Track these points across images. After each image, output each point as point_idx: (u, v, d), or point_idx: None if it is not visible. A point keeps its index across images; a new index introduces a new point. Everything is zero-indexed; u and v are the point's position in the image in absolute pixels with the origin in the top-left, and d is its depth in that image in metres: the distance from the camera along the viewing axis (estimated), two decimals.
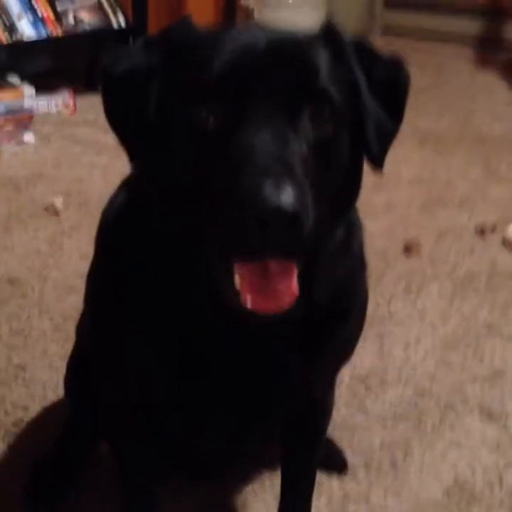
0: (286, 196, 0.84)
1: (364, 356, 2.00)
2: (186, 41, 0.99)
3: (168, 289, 1.05)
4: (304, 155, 0.92)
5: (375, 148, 1.02)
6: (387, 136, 1.04)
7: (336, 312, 1.12)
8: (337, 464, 1.70)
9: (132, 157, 1.01)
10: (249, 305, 0.91)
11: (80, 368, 1.54)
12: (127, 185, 1.15)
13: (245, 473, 1.66)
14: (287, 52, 0.96)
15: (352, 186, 1.04)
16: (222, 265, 0.93)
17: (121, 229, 1.11)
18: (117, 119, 1.01)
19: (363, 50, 1.04)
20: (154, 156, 0.98)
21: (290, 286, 0.92)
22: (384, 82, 1.03)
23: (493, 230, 2.68)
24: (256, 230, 0.85)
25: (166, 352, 1.09)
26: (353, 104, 1.00)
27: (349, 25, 4.70)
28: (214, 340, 1.06)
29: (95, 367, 1.30)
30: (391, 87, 1.04)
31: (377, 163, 1.04)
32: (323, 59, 0.98)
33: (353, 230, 1.12)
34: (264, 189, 0.84)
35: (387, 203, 2.83)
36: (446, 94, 3.98)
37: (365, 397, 1.91)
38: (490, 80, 4.34)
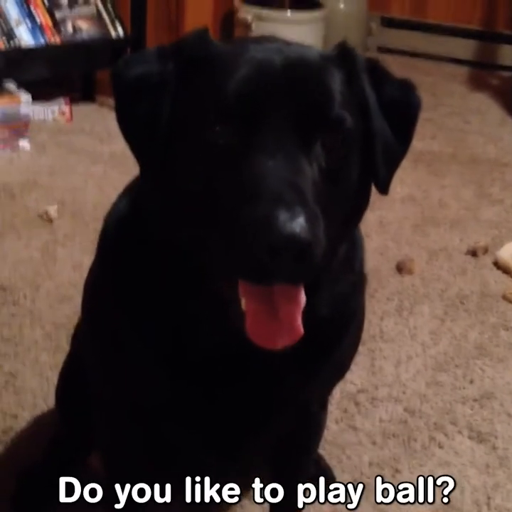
0: (300, 226, 0.84)
1: (355, 373, 2.00)
2: (201, 54, 0.98)
3: (170, 300, 1.05)
4: (316, 181, 0.92)
5: (383, 172, 1.03)
6: (394, 160, 1.05)
7: (335, 327, 1.12)
8: (325, 479, 1.69)
9: (142, 164, 1.01)
10: (253, 340, 0.91)
11: (72, 378, 1.54)
12: (131, 193, 1.14)
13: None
14: (303, 75, 0.96)
15: (359, 206, 1.04)
16: (227, 287, 0.92)
17: (124, 237, 1.11)
18: (127, 122, 1.00)
19: (376, 71, 1.04)
20: (162, 166, 0.97)
21: (296, 324, 0.92)
22: (395, 104, 1.03)
23: (485, 251, 2.70)
24: (267, 257, 0.85)
25: (163, 362, 1.09)
26: (363, 126, 1.00)
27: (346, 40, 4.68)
28: (212, 353, 1.07)
29: (91, 375, 1.29)
30: (402, 110, 1.04)
31: (383, 187, 1.04)
32: (337, 82, 0.98)
33: (355, 245, 1.13)
34: (279, 217, 0.84)
35: (381, 221, 2.84)
36: (440, 114, 4.01)
37: (354, 414, 1.91)
38: (483, 101, 4.37)
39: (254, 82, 0.94)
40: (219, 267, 0.92)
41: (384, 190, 1.05)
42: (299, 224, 0.84)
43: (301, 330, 0.93)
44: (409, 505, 1.66)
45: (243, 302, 0.92)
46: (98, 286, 1.18)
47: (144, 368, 1.12)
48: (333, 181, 0.95)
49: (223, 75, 0.94)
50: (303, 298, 0.93)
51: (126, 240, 1.10)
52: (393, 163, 1.05)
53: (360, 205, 1.04)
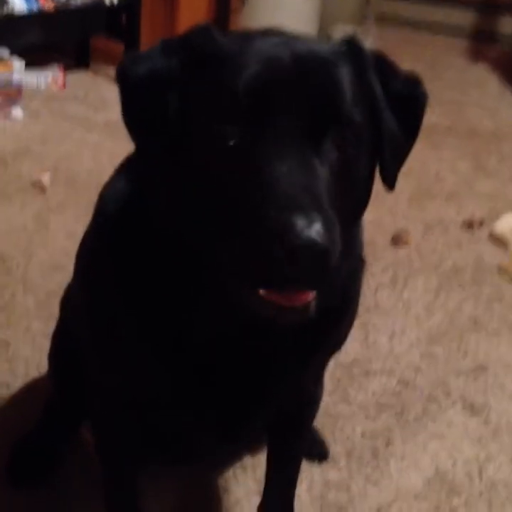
0: (317, 232, 0.83)
1: (348, 345, 1.96)
2: (208, 50, 0.96)
3: (170, 286, 1.04)
4: (328, 181, 0.91)
5: (390, 167, 1.02)
6: (401, 155, 1.04)
7: (333, 312, 1.11)
8: (318, 451, 1.70)
9: (147, 160, 1.00)
10: (272, 302, 0.90)
11: (63, 343, 1.53)
12: (129, 173, 1.12)
13: (227, 458, 1.66)
14: (313, 71, 0.94)
15: (366, 197, 1.03)
16: (241, 285, 0.91)
17: (123, 220, 1.08)
18: (133, 119, 0.98)
19: (383, 65, 1.03)
20: (169, 160, 0.96)
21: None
22: (402, 99, 1.02)
23: (481, 224, 2.69)
24: (285, 264, 0.84)
25: (160, 344, 1.08)
26: (371, 120, 0.99)
27: (344, 13, 4.67)
28: (212, 336, 1.06)
29: (86, 351, 1.28)
30: (408, 105, 1.03)
31: (390, 181, 1.04)
32: (347, 78, 0.96)
33: (356, 231, 1.12)
34: (296, 224, 0.83)
35: (376, 193, 2.79)
36: (438, 86, 3.97)
37: (348, 386, 1.91)
38: (482, 74, 4.35)
39: (264, 79, 0.92)
40: (230, 268, 0.91)
41: (391, 184, 1.04)
42: (316, 230, 0.83)
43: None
44: (401, 476, 1.67)
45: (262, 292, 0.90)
46: (95, 267, 1.15)
47: (141, 351, 1.11)
48: (344, 178, 0.94)
49: (232, 72, 0.92)
50: None
51: (126, 223, 1.08)
52: (400, 157, 1.04)
53: (366, 196, 1.03)
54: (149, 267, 1.05)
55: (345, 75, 0.96)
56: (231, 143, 0.91)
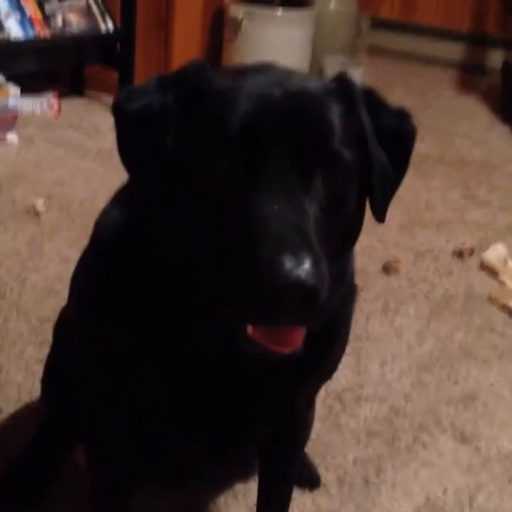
0: (306, 272, 0.85)
1: (340, 372, 1.98)
2: (201, 87, 0.98)
3: (166, 312, 1.05)
4: (317, 219, 0.93)
5: (380, 201, 1.04)
6: (391, 188, 1.06)
7: (325, 338, 1.12)
8: (310, 479, 1.70)
9: (140, 190, 1.02)
10: (261, 350, 0.92)
11: (57, 367, 1.53)
12: (125, 203, 1.14)
13: (218, 484, 1.66)
14: (303, 109, 0.95)
15: (356, 230, 1.05)
16: (231, 320, 0.93)
17: (118, 245, 1.10)
18: (129, 154, 1.00)
19: (372, 100, 1.05)
20: (163, 196, 0.98)
21: (300, 331, 0.93)
22: (391, 134, 1.04)
23: (471, 253, 2.72)
24: (272, 301, 0.85)
25: (154, 365, 1.09)
26: (360, 156, 1.00)
27: (335, 45, 4.73)
28: (203, 361, 1.07)
29: (76, 367, 1.29)
30: (398, 139, 1.05)
31: (380, 214, 1.06)
32: (337, 116, 0.98)
33: (347, 259, 1.13)
34: (285, 263, 0.84)
35: (367, 221, 2.81)
36: (428, 116, 4.03)
37: (339, 413, 1.92)
38: (471, 104, 4.40)
39: (255, 118, 0.94)
40: (222, 303, 0.92)
41: (381, 218, 1.06)
42: (304, 270, 0.85)
43: (304, 332, 0.94)
44: (392, 504, 1.67)
45: (250, 330, 0.92)
46: (91, 290, 1.16)
47: (136, 372, 1.12)
48: (333, 214, 0.96)
49: (225, 110, 0.95)
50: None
51: (121, 249, 1.09)
52: (390, 191, 1.06)
53: (356, 229, 1.05)
54: (144, 290, 1.06)
55: (335, 112, 0.98)
56: (222, 179, 0.93)
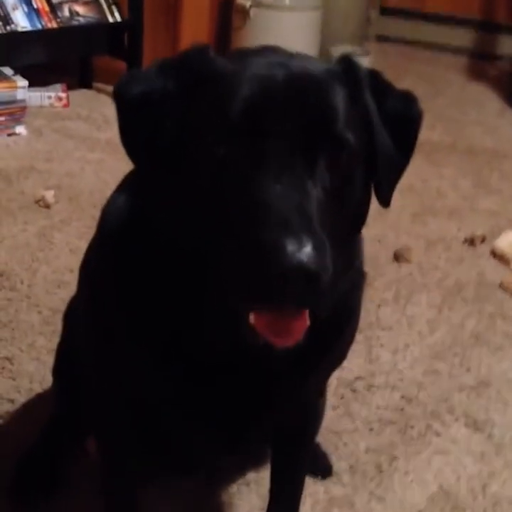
0: (308, 255, 0.84)
1: (352, 360, 2.00)
2: (203, 71, 0.97)
3: (172, 299, 1.05)
4: (321, 202, 0.92)
5: (385, 185, 1.03)
6: (396, 173, 1.05)
7: (334, 325, 1.12)
8: (322, 467, 1.70)
9: (144, 177, 1.01)
10: (264, 342, 0.92)
11: (68, 355, 1.54)
12: (130, 190, 1.13)
13: (231, 473, 1.66)
14: (306, 92, 0.94)
15: (362, 216, 1.04)
16: (234, 304, 0.92)
17: (125, 236, 1.10)
18: (130, 140, 1.00)
19: (378, 83, 1.04)
20: (166, 181, 0.97)
21: (303, 322, 0.93)
22: (397, 117, 1.03)
23: (483, 240, 2.70)
24: (275, 284, 0.85)
25: (162, 352, 1.09)
26: (365, 140, 0.99)
27: (345, 33, 4.71)
28: (212, 347, 1.06)
29: (86, 356, 1.29)
30: (403, 122, 1.04)
31: (385, 199, 1.04)
32: (341, 99, 0.97)
33: (355, 244, 1.12)
34: (286, 246, 0.84)
35: (379, 210, 2.81)
36: (439, 104, 4.00)
37: (352, 401, 1.91)
38: (482, 92, 4.37)
39: (258, 101, 0.93)
40: (226, 287, 0.92)
41: (386, 203, 1.05)
42: (306, 253, 0.84)
43: (307, 321, 0.93)
44: (405, 492, 1.66)
45: (252, 318, 0.91)
46: (99, 278, 1.17)
47: (143, 359, 1.12)
48: (337, 199, 0.95)
49: (226, 94, 0.94)
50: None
51: (128, 238, 1.09)
52: (395, 175, 1.05)
53: (362, 215, 1.04)
54: (151, 277, 1.06)
55: (339, 95, 0.97)
56: (225, 164, 0.92)
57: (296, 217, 0.87)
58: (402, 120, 1.04)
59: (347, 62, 1.02)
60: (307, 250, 0.84)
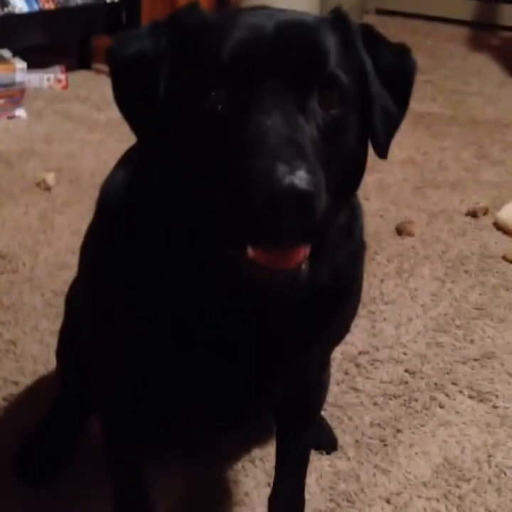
0: (300, 176, 0.84)
1: (355, 335, 2.00)
2: (194, 25, 0.98)
3: (170, 265, 1.05)
4: (314, 138, 0.92)
5: (381, 134, 1.02)
6: (392, 123, 1.04)
7: (335, 294, 1.12)
8: (327, 442, 1.70)
9: (140, 139, 1.01)
10: (261, 265, 0.90)
11: (71, 337, 1.54)
12: (128, 163, 1.14)
13: (235, 450, 1.67)
14: (296, 35, 0.95)
15: (357, 170, 1.03)
16: (232, 243, 0.92)
17: (123, 208, 1.10)
18: (125, 101, 1.00)
19: (371, 36, 1.04)
20: (162, 138, 0.97)
21: (303, 249, 0.92)
22: (391, 68, 1.03)
23: (485, 212, 2.69)
24: (269, 211, 0.84)
25: (161, 326, 1.09)
26: (360, 89, 0.99)
27: (344, 2, 4.66)
28: (213, 318, 1.06)
29: (87, 336, 1.30)
30: (398, 74, 1.04)
31: (382, 150, 1.04)
32: (331, 43, 0.97)
33: (355, 214, 1.13)
34: (278, 170, 0.83)
35: (380, 183, 2.83)
36: (439, 76, 3.97)
37: (355, 375, 1.91)
38: (483, 62, 4.34)
39: (248, 43, 0.93)
40: (223, 230, 0.92)
41: (383, 154, 1.04)
42: (298, 176, 0.84)
43: (307, 250, 0.92)
44: (410, 464, 1.67)
45: (250, 252, 0.90)
46: (98, 256, 1.17)
47: (145, 335, 1.12)
48: (331, 140, 0.95)
49: (216, 41, 0.94)
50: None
51: (126, 211, 1.10)
52: (392, 126, 1.05)
53: (358, 168, 1.03)
54: (149, 250, 1.06)
55: (330, 39, 0.98)
56: (219, 107, 0.92)
57: (285, 144, 0.87)
58: (397, 71, 1.04)
59: (338, 13, 1.03)
60: (299, 173, 0.84)
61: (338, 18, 1.02)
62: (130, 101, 1.00)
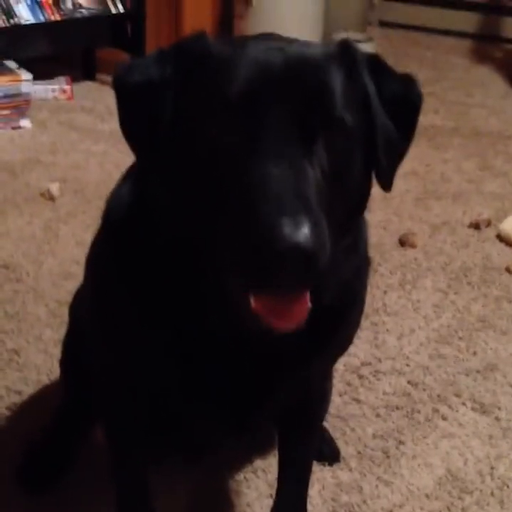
0: (304, 236, 0.84)
1: (358, 346, 2.00)
2: (201, 55, 0.98)
3: (173, 278, 1.05)
4: (319, 183, 0.92)
5: (386, 168, 1.03)
6: (397, 156, 1.04)
7: (339, 310, 1.12)
8: (329, 453, 1.70)
9: (145, 166, 1.02)
10: (266, 326, 0.92)
11: (74, 347, 1.55)
12: (133, 179, 1.14)
13: (238, 461, 1.67)
14: (304, 75, 0.95)
15: (363, 199, 1.04)
16: (235, 288, 0.93)
17: (128, 224, 1.11)
18: (130, 127, 1.01)
19: (376, 66, 1.04)
20: (165, 165, 0.98)
21: (304, 304, 0.93)
22: (396, 99, 1.03)
23: (488, 224, 2.69)
24: (272, 266, 0.85)
25: (164, 335, 1.10)
26: (365, 122, 0.99)
27: (348, 18, 4.69)
28: (217, 332, 1.07)
29: (91, 344, 1.30)
30: (403, 106, 1.04)
31: (386, 183, 1.04)
32: (338, 81, 0.97)
33: (359, 230, 1.13)
34: (283, 227, 0.84)
35: (383, 196, 2.80)
36: (442, 88, 3.98)
37: (358, 387, 1.92)
38: (486, 75, 4.35)
39: (255, 84, 0.93)
40: (224, 271, 0.93)
41: (387, 186, 1.05)
42: (303, 234, 0.84)
43: (309, 303, 0.93)
44: (413, 476, 1.67)
45: (253, 302, 0.92)
46: (103, 267, 1.18)
47: (150, 345, 1.13)
48: (336, 180, 0.95)
49: (224, 76, 0.94)
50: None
51: (131, 227, 1.10)
52: (396, 158, 1.05)
53: (363, 198, 1.04)
54: (153, 264, 1.07)
55: (336, 77, 0.97)
56: (222, 146, 0.92)
57: (292, 198, 0.87)
58: (402, 102, 1.04)
59: (345, 45, 1.03)
60: (304, 231, 0.85)
61: (344, 51, 1.02)
62: (135, 128, 1.00)
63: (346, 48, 1.02)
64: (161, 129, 0.97)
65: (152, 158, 0.99)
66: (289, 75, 0.94)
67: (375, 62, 1.04)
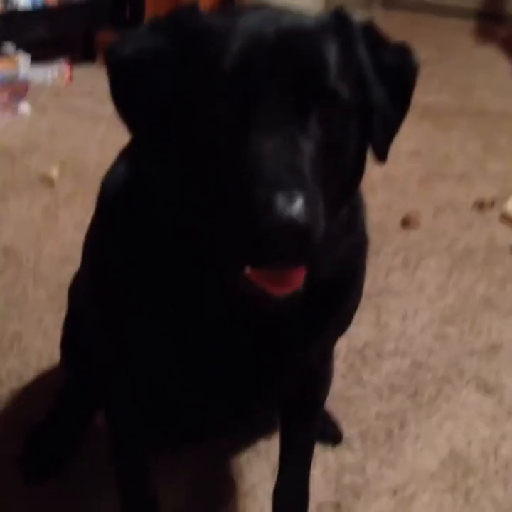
0: (298, 210, 0.83)
1: (361, 328, 1.99)
2: (194, 28, 0.96)
3: (169, 258, 1.04)
4: (314, 157, 0.91)
5: (381, 139, 1.01)
6: (392, 127, 1.03)
7: (337, 289, 1.11)
8: (332, 434, 1.70)
9: (138, 141, 1.00)
10: (261, 292, 0.91)
11: (73, 330, 1.54)
12: (129, 159, 1.12)
13: (240, 443, 1.66)
14: (298, 46, 0.93)
15: (358, 173, 1.03)
16: (230, 264, 0.92)
17: (123, 204, 1.10)
18: (123, 102, 0.99)
19: (372, 36, 1.02)
20: (160, 142, 0.96)
21: (300, 270, 0.92)
22: (392, 70, 1.01)
23: (492, 204, 2.67)
24: (267, 241, 0.84)
25: (161, 316, 1.09)
26: (360, 94, 0.98)
27: None
28: (215, 311, 1.06)
29: (90, 327, 1.29)
30: (399, 76, 1.02)
31: (382, 154, 1.03)
32: (333, 52, 0.95)
33: (356, 207, 1.12)
34: (277, 202, 0.83)
35: (386, 176, 2.81)
36: (446, 68, 3.95)
37: (361, 368, 1.90)
38: (490, 54, 4.32)
39: (248, 56, 0.91)
40: (220, 247, 0.92)
41: (382, 157, 1.03)
42: (297, 208, 0.83)
43: (304, 271, 0.92)
44: (416, 457, 1.66)
45: (248, 272, 0.90)
46: (99, 250, 1.17)
47: (148, 328, 1.12)
48: (331, 153, 0.94)
49: (216, 49, 0.93)
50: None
51: (126, 205, 1.09)
52: (391, 130, 1.03)
53: (358, 171, 1.03)
54: (149, 244, 1.05)
55: (331, 48, 0.95)
56: (216, 121, 0.91)
57: (286, 173, 0.86)
58: (398, 73, 1.02)
59: (339, 16, 1.01)
60: (297, 205, 0.84)
61: (340, 20, 1.00)
62: (128, 101, 0.98)
63: (341, 18, 1.00)
64: (155, 102, 0.95)
65: (146, 133, 0.98)
66: (282, 46, 0.92)
67: (370, 32, 1.02)
